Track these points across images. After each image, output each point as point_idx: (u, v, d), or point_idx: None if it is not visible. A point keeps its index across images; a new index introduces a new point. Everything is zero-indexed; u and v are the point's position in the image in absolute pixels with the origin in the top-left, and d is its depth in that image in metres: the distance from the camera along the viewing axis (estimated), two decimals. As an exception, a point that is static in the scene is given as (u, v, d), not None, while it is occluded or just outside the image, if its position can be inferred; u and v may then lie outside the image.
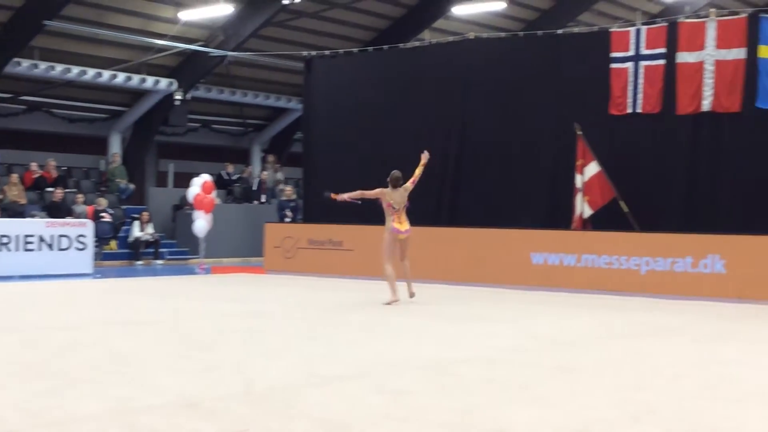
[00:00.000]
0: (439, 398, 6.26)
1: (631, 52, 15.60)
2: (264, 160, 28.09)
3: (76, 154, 25.44)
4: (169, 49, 23.54)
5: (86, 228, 18.65)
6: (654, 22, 16.18)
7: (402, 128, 18.07)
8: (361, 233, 17.19)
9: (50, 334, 9.39)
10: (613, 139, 15.71)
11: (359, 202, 12.84)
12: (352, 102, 18.96)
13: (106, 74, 22.93)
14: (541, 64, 16.70)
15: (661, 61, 15.33)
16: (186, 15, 22.39)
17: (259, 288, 15.37)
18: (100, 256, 20.59)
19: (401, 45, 19.93)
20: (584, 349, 8.84)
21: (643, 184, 15.41)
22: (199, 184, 19.92)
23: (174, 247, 23.19)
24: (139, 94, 24.80)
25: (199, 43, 23.81)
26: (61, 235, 18.09)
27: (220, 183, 24.83)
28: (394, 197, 12.47)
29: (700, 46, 15.00)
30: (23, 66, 21.60)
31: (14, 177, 21.17)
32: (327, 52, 20.37)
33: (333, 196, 12.94)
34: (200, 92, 25.39)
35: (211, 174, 21.62)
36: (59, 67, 22.15)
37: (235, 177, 26.23)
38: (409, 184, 12.68)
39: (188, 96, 24.68)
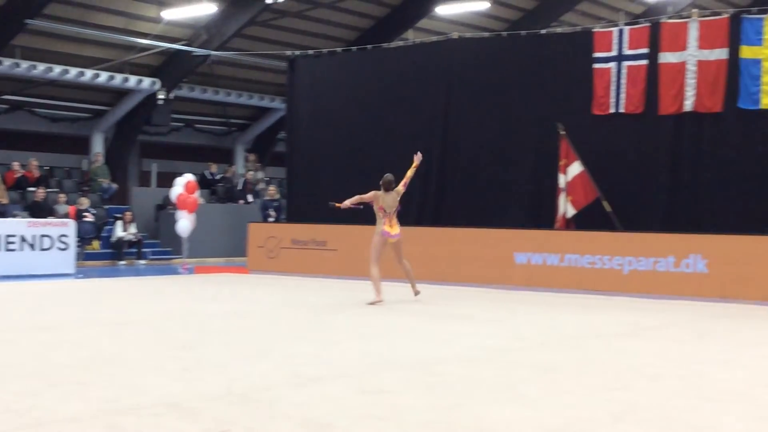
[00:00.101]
0: (421, 398, 6.26)
1: (613, 53, 15.64)
2: (245, 160, 28.07)
3: (58, 153, 25.36)
4: (152, 48, 23.48)
5: (68, 228, 18.56)
6: (637, 23, 16.23)
7: (385, 128, 18.08)
8: (345, 233, 17.20)
9: (32, 335, 9.34)
10: (596, 139, 15.75)
11: (361, 207, 12.88)
12: (336, 101, 18.94)
13: (89, 73, 22.85)
14: (524, 64, 16.72)
15: (644, 62, 15.38)
16: (169, 14, 22.34)
17: (242, 288, 15.33)
18: (83, 256, 20.51)
19: (385, 45, 19.93)
20: (566, 348, 8.86)
21: (626, 183, 15.46)
22: (182, 184, 19.87)
23: (157, 247, 23.11)
24: (121, 94, 24.73)
25: (183, 43, 23.76)
26: (43, 235, 18.00)
27: (204, 183, 24.78)
28: (386, 201, 12.52)
29: (683, 47, 15.05)
30: (5, 65, 21.49)
31: (-4, 176, 21.07)
32: (310, 52, 20.36)
33: (337, 204, 12.96)
34: (183, 92, 25.33)
35: (194, 174, 21.57)
36: (41, 66, 22.06)
37: (218, 177, 26.18)
38: (401, 187, 12.72)
39: (171, 95, 24.63)
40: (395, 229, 12.53)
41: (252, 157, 27.29)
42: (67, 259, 18.27)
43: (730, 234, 13.77)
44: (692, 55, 14.97)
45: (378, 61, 18.93)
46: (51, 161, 24.86)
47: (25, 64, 21.81)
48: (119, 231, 21.83)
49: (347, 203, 12.83)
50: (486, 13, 26.25)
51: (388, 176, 12.64)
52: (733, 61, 14.65)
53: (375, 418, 5.67)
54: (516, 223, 16.10)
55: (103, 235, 22.04)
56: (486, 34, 19.81)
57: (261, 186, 26.10)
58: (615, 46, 15.64)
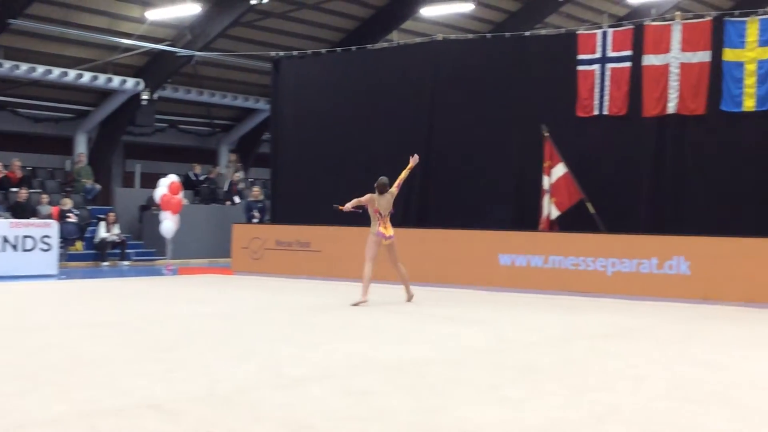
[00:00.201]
0: (404, 399, 6.26)
1: (597, 55, 15.69)
2: (227, 160, 28.01)
3: (41, 154, 25.22)
4: (136, 48, 23.40)
5: (51, 229, 18.47)
6: (620, 25, 16.28)
7: (370, 129, 18.09)
8: (329, 234, 17.21)
9: (13, 336, 9.29)
10: (580, 140, 15.78)
11: (360, 211, 12.89)
12: (320, 102, 18.93)
13: (72, 73, 22.75)
14: (508, 66, 16.75)
15: (627, 64, 15.44)
16: (153, 14, 22.26)
17: (226, 289, 15.30)
18: (66, 257, 20.42)
19: (369, 46, 19.93)
20: (550, 349, 8.87)
21: (610, 185, 15.50)
22: (166, 185, 19.82)
23: (140, 248, 23.02)
24: (105, 94, 24.62)
25: (166, 43, 23.69)
26: (26, 236, 17.90)
27: (188, 184, 24.71)
28: (381, 203, 12.56)
29: (666, 49, 15.11)
30: (-13, 65, 21.40)
31: (-22, 177, 20.96)
32: (295, 53, 20.33)
33: (340, 207, 12.96)
34: (167, 92, 25.24)
35: (178, 174, 21.52)
36: (24, 66, 21.95)
37: (202, 178, 26.11)
38: (394, 189, 12.76)
39: (155, 96, 24.54)
40: (389, 231, 12.60)
41: (233, 157, 27.24)
42: (49, 260, 18.18)
43: (712, 236, 13.82)
44: (675, 58, 15.03)
45: (362, 63, 18.93)
46: (34, 162, 24.73)
47: (7, 64, 21.69)
48: (102, 232, 21.74)
49: (349, 206, 12.84)
50: (470, 15, 26.27)
51: (383, 179, 12.69)
52: (716, 63, 14.72)
53: (358, 419, 5.67)
54: (500, 224, 16.12)
55: (86, 236, 21.93)
56: (470, 36, 19.83)
57: (241, 186, 26.04)
58: (599, 49, 15.69)
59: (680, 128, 15.13)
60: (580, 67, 15.82)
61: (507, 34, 17.86)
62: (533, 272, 15.06)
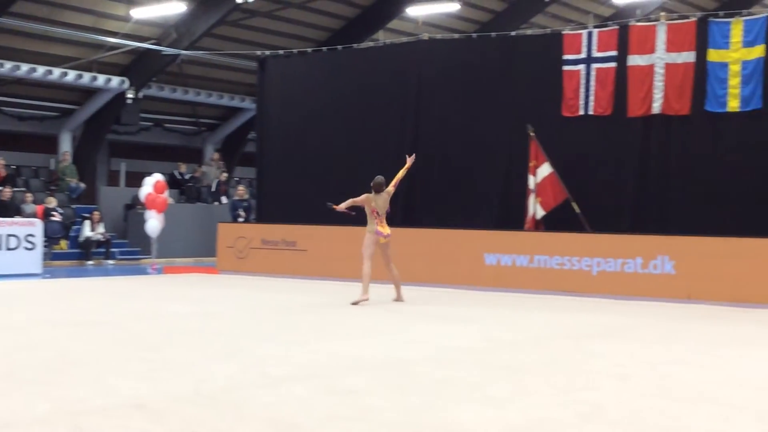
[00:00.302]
0: (390, 398, 6.26)
1: (583, 55, 15.73)
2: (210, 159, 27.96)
3: (25, 152, 25.12)
4: (121, 47, 23.32)
5: (35, 227, 18.39)
6: (605, 25, 16.32)
7: (355, 128, 18.09)
8: (315, 233, 17.20)
9: (-3, 335, 9.25)
10: (566, 140, 15.82)
11: (353, 213, 12.89)
12: (306, 102, 18.91)
13: (57, 72, 22.66)
14: (494, 66, 16.77)
15: (612, 64, 15.48)
16: (138, 13, 22.20)
17: (211, 288, 15.26)
18: (50, 255, 20.34)
19: (355, 45, 19.92)
20: (535, 349, 8.89)
21: (595, 185, 15.55)
22: (151, 184, 19.75)
23: (125, 247, 22.97)
24: (90, 93, 24.54)
25: (152, 42, 23.62)
26: (10, 235, 17.80)
27: (173, 182, 24.64)
28: (378, 202, 12.58)
29: (651, 50, 15.17)
30: (-29, 63, 21.30)
31: (-38, 175, 20.85)
32: (281, 52, 20.32)
33: (334, 207, 12.95)
34: (152, 91, 25.18)
35: (163, 173, 21.45)
36: (8, 64, 21.84)
37: (187, 176, 26.05)
38: (391, 188, 12.80)
39: (140, 95, 24.47)
40: (387, 230, 12.62)
41: (216, 155, 27.18)
42: (34, 259, 18.09)
43: (697, 235, 13.88)
44: (660, 58, 15.08)
45: (349, 62, 18.92)
46: (18, 160, 24.62)
47: (-8, 62, 21.63)
48: (87, 231, 21.67)
49: (343, 206, 12.83)
50: (456, 15, 26.31)
51: (379, 178, 12.72)
52: (701, 64, 14.78)
53: (343, 418, 5.67)
54: (486, 224, 16.15)
55: (70, 234, 21.86)
56: (456, 36, 19.84)
57: (224, 186, 25.99)
58: (584, 49, 15.73)
59: (665, 128, 15.19)
60: (566, 67, 15.86)
61: (493, 34, 17.88)
62: (519, 272, 15.09)
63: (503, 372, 7.43)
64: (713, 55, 14.69)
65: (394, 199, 12.69)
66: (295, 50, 20.59)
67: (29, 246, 18.06)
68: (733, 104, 14.51)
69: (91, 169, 25.46)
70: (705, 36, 14.77)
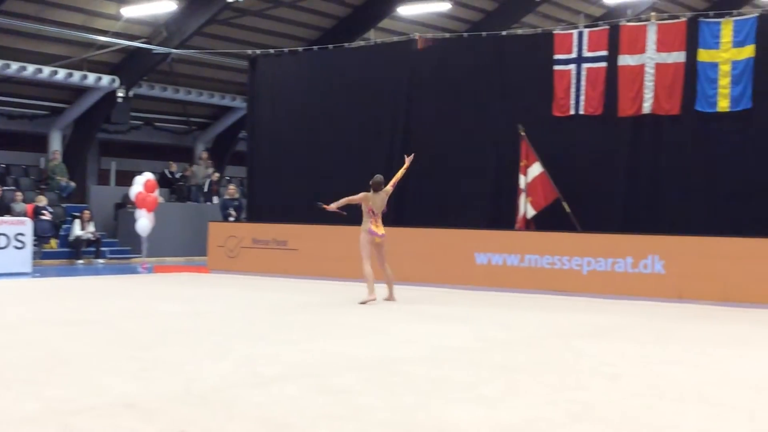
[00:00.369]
0: (381, 398, 6.26)
1: (573, 55, 15.75)
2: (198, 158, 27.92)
3: (15, 151, 25.06)
4: (112, 45, 23.27)
5: (25, 226, 18.33)
6: (596, 25, 16.35)
7: (346, 127, 18.08)
8: (306, 233, 17.19)
9: (-14, 335, 9.22)
10: (556, 140, 15.83)
11: (344, 213, 12.87)
12: (297, 101, 18.90)
13: (47, 70, 22.58)
14: (485, 66, 16.77)
15: (603, 64, 15.50)
16: (128, 11, 22.15)
17: (202, 288, 15.24)
18: (40, 254, 20.28)
19: (346, 44, 19.90)
20: (526, 348, 8.90)
21: (585, 185, 15.56)
22: (141, 183, 19.71)
23: (116, 246, 22.93)
24: (80, 91, 24.47)
25: (142, 40, 23.56)
26: (-1, 234, 17.78)
27: (163, 181, 24.60)
28: (375, 201, 12.57)
29: (641, 49, 15.19)
30: (-39, 61, 21.22)
31: (-49, 174, 20.76)
32: (272, 51, 20.30)
33: (324, 206, 12.92)
34: (143, 90, 25.13)
35: (153, 172, 21.41)
36: (-2, 63, 21.80)
37: (178, 175, 26.00)
38: (389, 187, 12.81)
39: (131, 93, 24.42)
40: (381, 229, 12.65)
41: (204, 154, 27.13)
42: (24, 258, 18.04)
43: (686, 235, 13.92)
44: (651, 58, 15.11)
45: (339, 61, 18.89)
46: (8, 159, 24.56)
47: (-19, 61, 21.55)
48: (77, 230, 21.61)
49: (334, 206, 12.81)
50: (447, 14, 26.32)
51: (378, 177, 12.73)
52: (691, 64, 14.82)
53: (334, 418, 5.66)
54: (476, 223, 16.15)
55: (60, 233, 21.81)
56: (447, 35, 19.84)
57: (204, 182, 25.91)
58: (575, 49, 15.74)
59: (655, 128, 15.22)
60: (557, 67, 15.88)
61: (484, 33, 17.88)
62: (509, 271, 15.10)
63: (494, 371, 7.44)
64: (703, 55, 14.73)
65: (389, 199, 12.72)
66: (286, 49, 20.55)
67: (19, 245, 18.00)
68: (723, 104, 14.55)
69: (81, 168, 25.39)
70: (695, 36, 14.80)
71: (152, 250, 20.58)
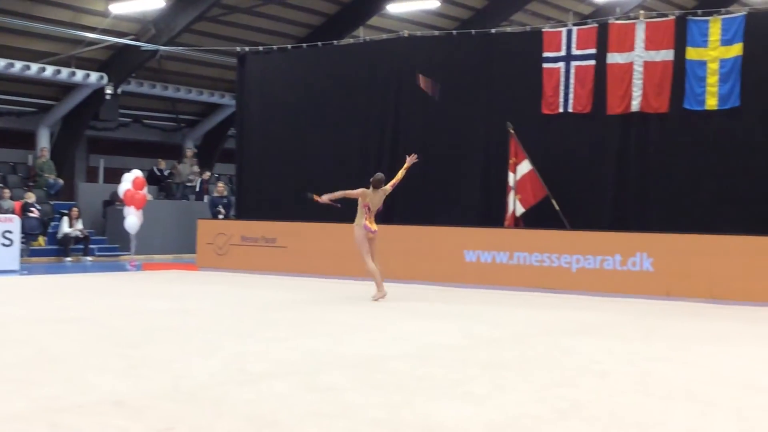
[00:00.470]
0: (369, 395, 6.26)
1: (562, 53, 15.77)
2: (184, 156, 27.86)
3: (3, 148, 24.94)
4: (100, 42, 23.19)
5: (13, 224, 18.27)
6: (585, 23, 16.38)
7: (336, 125, 18.06)
8: (295, 230, 17.17)
9: (-26, 332, 9.19)
10: (545, 138, 15.86)
11: (338, 205, 12.86)
12: (286, 98, 18.87)
13: (35, 67, 22.49)
14: (474, 63, 16.78)
15: (592, 62, 15.53)
16: (117, 8, 22.09)
17: (191, 285, 15.22)
18: (28, 252, 20.22)
19: (335, 42, 19.88)
20: (513, 345, 8.91)
21: (574, 182, 15.59)
22: (130, 180, 19.67)
23: (104, 244, 22.86)
24: (68, 88, 24.39)
25: (131, 37, 23.49)
26: (-13, 231, 17.71)
27: (152, 179, 24.54)
28: (373, 199, 12.61)
29: (630, 48, 15.22)
30: (-52, 58, 21.12)
31: (-62, 171, 20.67)
32: (261, 48, 20.26)
33: (315, 197, 12.90)
34: (131, 87, 25.07)
35: (142, 170, 21.36)
36: (-14, 60, 21.72)
37: (167, 173, 25.94)
38: (389, 187, 12.85)
39: (119, 90, 24.35)
40: (374, 226, 12.67)
41: (189, 152, 27.07)
42: (11, 256, 17.98)
43: (675, 233, 13.96)
44: (639, 56, 15.14)
45: (328, 59, 18.87)
46: (-5, 156, 24.49)
47: (-31, 58, 21.46)
48: (65, 227, 21.54)
49: (326, 198, 12.80)
50: (436, 12, 26.34)
51: (379, 175, 12.84)
52: (679, 62, 14.85)
53: (322, 415, 5.66)
54: (466, 221, 16.17)
55: (49, 231, 21.74)
56: (436, 33, 19.85)
57: (192, 181, 25.80)
58: (564, 46, 15.77)
59: (644, 126, 15.25)
60: (545, 65, 15.89)
61: (473, 31, 17.88)
62: (498, 269, 15.11)
63: (482, 369, 7.44)
64: (692, 54, 14.77)
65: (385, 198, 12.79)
66: (274, 46, 20.52)
67: (7, 242, 17.95)
68: (711, 102, 14.59)
69: (69, 165, 25.31)
70: (684, 34, 14.84)
71: (141, 247, 20.54)
